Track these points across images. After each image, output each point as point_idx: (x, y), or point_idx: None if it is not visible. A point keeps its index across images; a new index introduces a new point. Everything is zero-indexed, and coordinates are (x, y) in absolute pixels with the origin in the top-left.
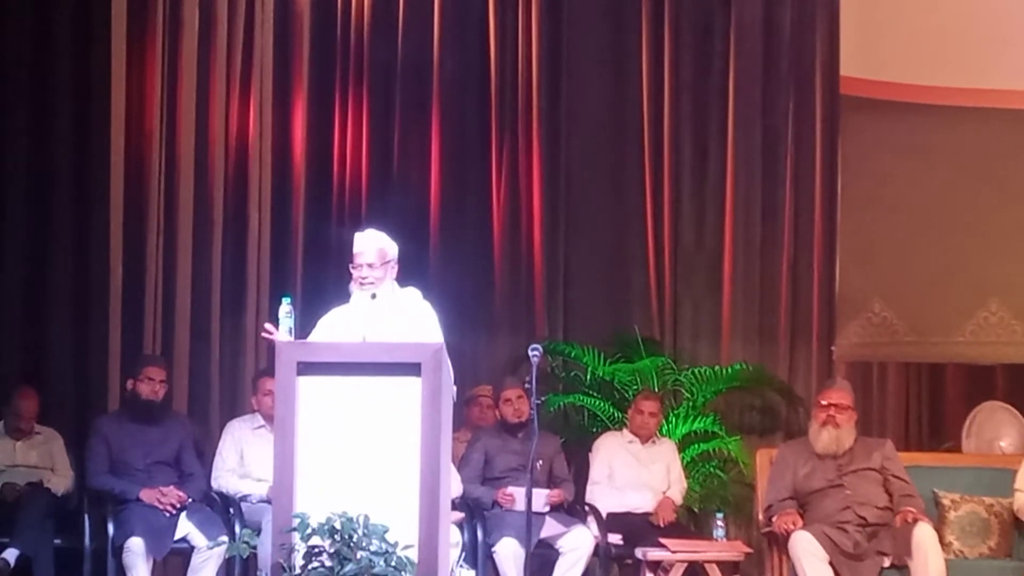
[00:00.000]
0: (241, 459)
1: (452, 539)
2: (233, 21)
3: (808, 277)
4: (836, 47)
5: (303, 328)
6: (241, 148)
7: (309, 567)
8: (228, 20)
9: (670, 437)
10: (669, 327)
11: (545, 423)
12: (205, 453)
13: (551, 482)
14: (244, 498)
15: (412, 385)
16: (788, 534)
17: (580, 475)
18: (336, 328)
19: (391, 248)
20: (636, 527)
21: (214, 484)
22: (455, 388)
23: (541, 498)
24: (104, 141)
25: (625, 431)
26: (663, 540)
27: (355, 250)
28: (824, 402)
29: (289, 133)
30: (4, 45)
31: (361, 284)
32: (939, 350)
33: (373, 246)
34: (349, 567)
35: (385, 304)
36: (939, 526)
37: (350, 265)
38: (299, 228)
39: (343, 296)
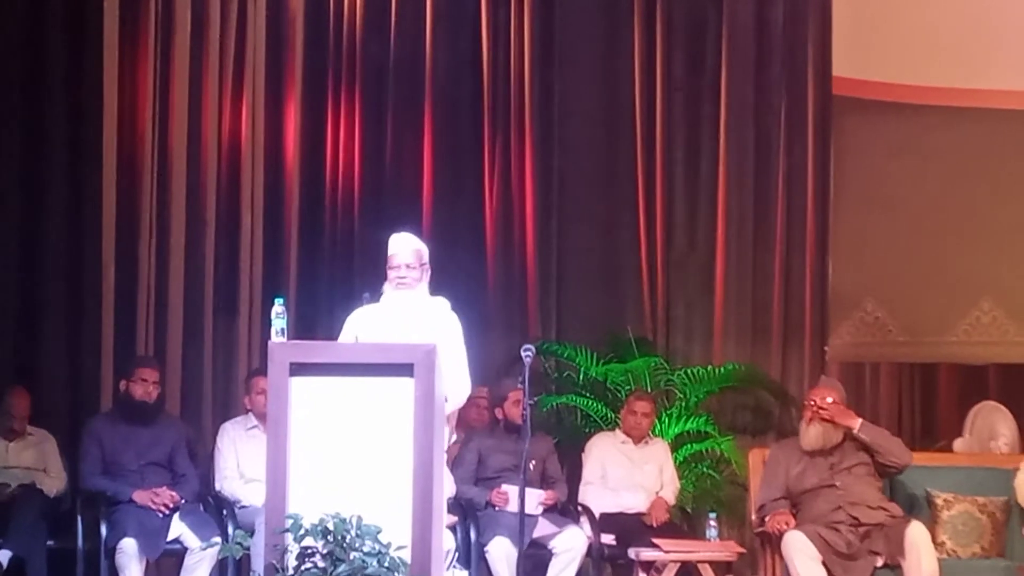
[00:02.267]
0: (236, 461)
1: (445, 543)
2: (226, 21)
3: (800, 277)
4: (828, 47)
5: (298, 329)
6: (234, 149)
7: (302, 568)
8: (221, 20)
9: (663, 437)
10: (662, 327)
11: (538, 423)
12: (198, 454)
13: (544, 482)
14: (244, 507)
15: (405, 386)
16: (781, 534)
17: (573, 475)
18: (360, 330)
19: (425, 250)
20: (629, 527)
21: (217, 486)
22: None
23: (535, 498)
24: (96, 142)
25: (618, 431)
26: (656, 540)
27: (391, 251)
28: (810, 400)
29: (282, 133)
30: None
31: (399, 284)
32: (932, 350)
33: (410, 247)
34: (342, 568)
35: (409, 309)
36: (932, 525)
37: (387, 267)
38: (292, 228)
39: (336, 295)
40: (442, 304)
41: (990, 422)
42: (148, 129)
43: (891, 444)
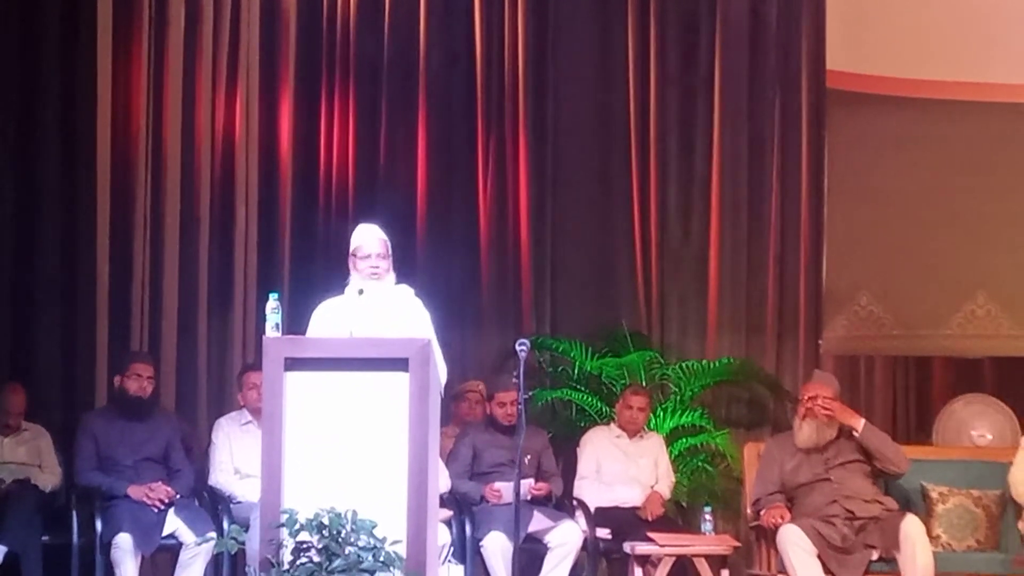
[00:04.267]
0: (231, 456)
1: (440, 538)
2: (219, 18)
3: (795, 271)
4: (822, 41)
5: (291, 325)
6: (228, 145)
7: (297, 563)
8: (214, 17)
9: (658, 431)
10: (656, 321)
11: (533, 418)
12: (193, 449)
13: (539, 477)
14: (239, 502)
15: (400, 380)
16: (776, 528)
17: (568, 470)
18: (331, 322)
19: (388, 241)
20: (624, 521)
21: (211, 480)
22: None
23: (524, 486)
24: (90, 139)
25: (613, 425)
26: (651, 534)
27: (358, 242)
28: (805, 395)
29: (276, 130)
30: None
31: (372, 274)
32: (926, 343)
33: (377, 237)
34: (337, 562)
35: (379, 299)
36: (927, 519)
37: (353, 257)
38: (286, 224)
39: (331, 291)
40: (407, 292)
41: (956, 424)
42: (142, 125)
43: (889, 450)
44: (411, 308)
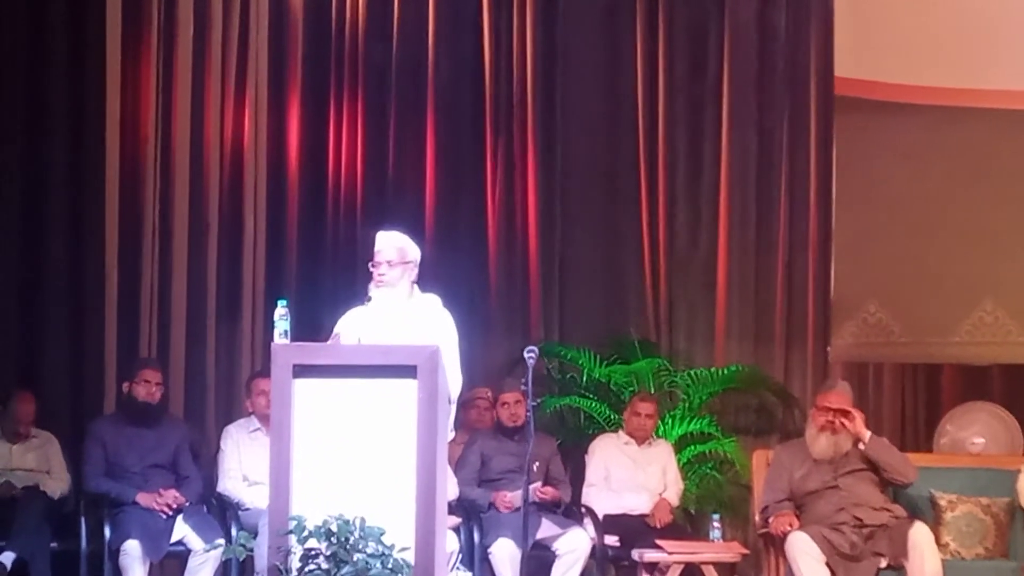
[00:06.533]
0: (239, 462)
1: (448, 545)
2: (228, 24)
3: (803, 278)
4: (830, 48)
5: (300, 331)
6: (236, 151)
7: (305, 569)
8: (223, 23)
9: (666, 439)
10: (665, 329)
11: (541, 425)
12: (201, 456)
13: (547, 484)
14: (247, 509)
15: (408, 387)
16: (784, 535)
17: (576, 477)
18: (348, 331)
19: (412, 249)
20: (633, 529)
21: (220, 487)
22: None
23: (530, 490)
24: (99, 145)
25: (621, 433)
26: (660, 542)
27: (375, 248)
28: (825, 405)
29: (284, 136)
30: None
31: (377, 282)
32: (935, 351)
33: (392, 244)
34: (345, 570)
35: (389, 307)
36: (936, 527)
37: (370, 264)
38: (294, 231)
39: (339, 297)
40: (433, 301)
41: (950, 440)
42: (151, 132)
43: (896, 462)
44: (429, 318)
